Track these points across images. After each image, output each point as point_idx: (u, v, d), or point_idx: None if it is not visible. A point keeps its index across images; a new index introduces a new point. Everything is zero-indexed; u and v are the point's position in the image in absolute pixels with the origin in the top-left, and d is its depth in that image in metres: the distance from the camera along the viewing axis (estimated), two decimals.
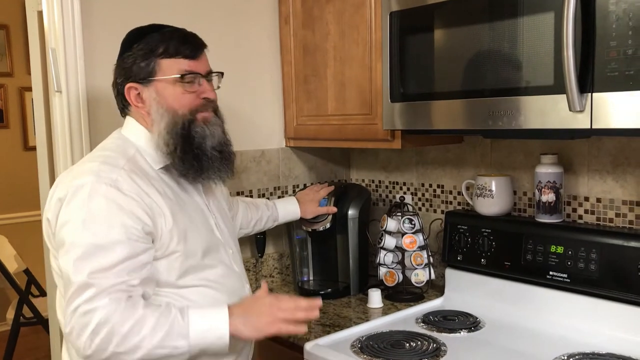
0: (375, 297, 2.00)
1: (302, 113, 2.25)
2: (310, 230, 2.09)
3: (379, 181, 2.46)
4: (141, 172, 1.38)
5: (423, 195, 2.29)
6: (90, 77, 1.87)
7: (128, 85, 1.42)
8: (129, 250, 1.27)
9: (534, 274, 1.80)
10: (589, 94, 1.36)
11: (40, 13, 1.90)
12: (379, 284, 2.09)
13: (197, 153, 1.42)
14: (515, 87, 1.50)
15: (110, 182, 1.30)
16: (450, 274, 2.05)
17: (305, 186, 2.40)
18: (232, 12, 2.19)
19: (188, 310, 1.29)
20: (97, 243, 1.25)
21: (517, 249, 1.84)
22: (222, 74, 1.52)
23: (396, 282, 2.06)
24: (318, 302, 1.40)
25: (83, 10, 1.85)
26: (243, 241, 2.18)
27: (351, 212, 2.12)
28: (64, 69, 1.82)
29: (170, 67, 1.40)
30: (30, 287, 3.73)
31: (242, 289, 1.53)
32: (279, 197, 2.33)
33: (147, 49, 1.41)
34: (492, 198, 1.93)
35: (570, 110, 1.38)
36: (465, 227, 1.99)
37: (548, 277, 1.76)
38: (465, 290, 2.00)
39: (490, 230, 1.92)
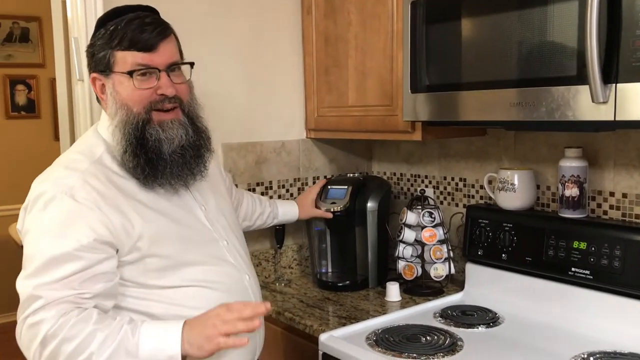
0: (393, 291, 1.98)
1: (323, 104, 2.24)
2: (326, 210, 2.07)
3: (401, 174, 2.43)
4: (105, 175, 1.29)
5: (445, 188, 2.25)
6: None
7: (92, 75, 1.35)
8: (83, 262, 1.20)
9: (555, 270, 1.76)
10: (613, 84, 1.31)
11: (64, 2, 1.92)
12: (398, 277, 2.07)
13: (150, 157, 1.31)
14: (537, 77, 1.46)
15: (65, 190, 1.23)
16: (471, 269, 2.02)
17: (325, 178, 2.39)
18: (254, 2, 2.18)
19: (141, 326, 1.21)
20: (49, 256, 1.19)
21: (539, 245, 1.80)
22: (191, 64, 1.40)
23: (415, 275, 2.03)
24: (261, 308, 1.26)
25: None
26: (262, 232, 2.19)
27: (370, 205, 2.10)
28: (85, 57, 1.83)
29: (123, 60, 1.30)
30: None
31: (240, 281, 1.44)
32: (298, 189, 2.32)
33: (106, 38, 1.31)
34: (515, 192, 1.89)
35: (593, 101, 1.33)
36: (487, 222, 1.96)
37: (570, 273, 1.72)
38: (486, 285, 1.97)
39: (511, 225, 1.89)
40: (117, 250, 1.26)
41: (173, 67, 1.35)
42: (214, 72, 2.07)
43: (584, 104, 1.36)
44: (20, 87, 4.82)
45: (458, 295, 2.01)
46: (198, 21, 2.03)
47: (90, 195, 1.24)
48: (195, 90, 1.45)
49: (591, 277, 1.68)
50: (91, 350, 1.15)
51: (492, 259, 1.94)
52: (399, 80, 1.88)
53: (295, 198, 2.21)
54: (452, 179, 2.23)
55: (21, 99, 4.83)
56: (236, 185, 2.16)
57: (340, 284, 2.11)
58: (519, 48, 1.49)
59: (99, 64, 1.32)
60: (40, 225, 1.23)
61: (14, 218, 4.45)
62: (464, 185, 2.19)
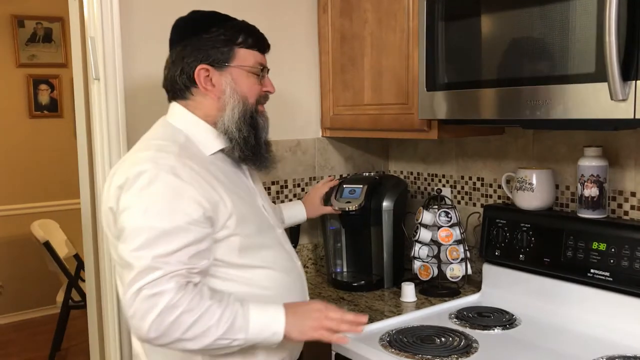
0: (408, 291, 1.96)
1: (339, 103, 2.23)
2: (337, 209, 2.04)
3: (418, 173, 2.41)
4: (194, 158, 1.37)
5: (462, 188, 2.23)
6: (128, 65, 1.90)
7: (200, 66, 1.40)
8: (192, 235, 1.26)
9: (574, 271, 1.73)
10: (633, 81, 1.28)
11: (81, 2, 1.93)
12: (414, 278, 2.05)
13: (259, 143, 1.47)
14: (554, 75, 1.43)
15: (168, 169, 1.29)
16: (488, 270, 1.99)
17: (341, 177, 2.37)
18: (270, 1, 2.17)
19: (249, 305, 1.30)
20: (160, 229, 1.24)
21: (557, 245, 1.77)
22: (269, 69, 1.54)
23: (431, 276, 2.01)
24: (364, 318, 1.39)
25: None
26: None
27: (386, 204, 2.08)
28: (102, 57, 1.85)
29: (247, 58, 1.43)
30: (80, 272, 3.83)
31: (295, 267, 1.53)
32: None
33: (229, 35, 1.42)
34: (533, 192, 1.85)
35: (612, 99, 1.30)
36: (504, 222, 1.93)
37: (589, 275, 1.69)
38: (503, 286, 1.94)
39: (529, 225, 1.85)
40: (212, 227, 1.32)
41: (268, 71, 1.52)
42: None
43: (603, 101, 1.33)
44: (43, 86, 4.89)
45: (475, 296, 1.98)
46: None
47: (190, 174, 1.31)
48: None
49: (611, 279, 1.64)
50: (209, 325, 1.23)
51: (509, 260, 1.91)
52: (415, 79, 1.86)
53: (311, 189, 2.17)
54: (470, 178, 2.20)
55: (44, 98, 4.89)
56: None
57: (355, 284, 2.10)
58: (536, 45, 1.46)
59: (216, 57, 1.40)
60: (146, 201, 1.26)
61: (37, 216, 4.48)
62: (482, 185, 2.16)
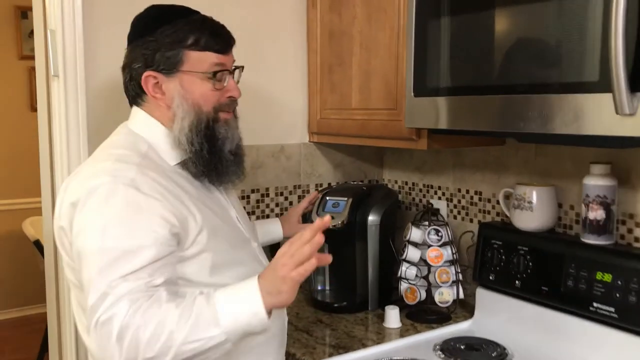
0: (392, 316, 1.78)
1: (326, 106, 2.05)
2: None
3: (413, 183, 2.22)
4: (158, 168, 1.25)
5: (459, 202, 2.03)
6: (91, 62, 1.74)
7: (147, 73, 1.27)
8: (154, 254, 1.12)
9: (575, 303, 1.53)
10: None
11: None
12: (400, 300, 1.87)
13: (218, 156, 1.32)
14: (552, 82, 1.24)
15: (128, 182, 1.16)
16: (482, 295, 1.80)
17: (329, 185, 2.20)
18: None
19: (214, 293, 1.13)
20: (120, 249, 1.11)
21: (557, 273, 1.57)
22: (242, 67, 1.39)
23: (417, 300, 1.82)
24: (320, 223, 1.14)
25: None
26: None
27: (372, 218, 1.89)
28: (62, 52, 1.70)
29: (199, 61, 1.27)
30: None
31: None
32: (299, 197, 2.14)
33: (175, 37, 1.26)
34: (532, 211, 1.66)
35: (617, 113, 1.11)
36: (500, 243, 1.74)
37: (592, 308, 1.49)
38: (497, 314, 1.75)
39: (527, 249, 1.66)
40: (178, 244, 1.19)
41: (235, 70, 1.36)
42: None
43: (607, 115, 1.14)
44: None
45: (466, 324, 1.79)
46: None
47: (154, 186, 1.18)
48: None
49: (616, 315, 1.44)
50: (170, 329, 1.06)
51: (504, 286, 1.72)
52: (404, 82, 1.67)
53: (290, 208, 2.03)
54: (467, 191, 2.01)
55: None
56: None
57: (336, 305, 1.92)
58: (530, 47, 1.27)
59: (162, 63, 1.26)
60: (104, 219, 1.13)
61: (37, 211, 4.35)
62: (480, 200, 1.97)
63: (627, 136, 1.11)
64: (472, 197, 1.99)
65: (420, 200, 2.19)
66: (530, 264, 1.64)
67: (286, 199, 2.12)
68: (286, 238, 1.87)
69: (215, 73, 1.29)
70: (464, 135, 1.66)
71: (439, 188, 2.11)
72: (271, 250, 1.98)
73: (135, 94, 1.31)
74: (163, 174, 1.24)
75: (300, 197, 2.14)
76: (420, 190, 2.19)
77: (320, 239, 1.13)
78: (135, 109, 1.34)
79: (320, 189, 2.16)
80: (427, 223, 1.84)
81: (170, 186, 1.22)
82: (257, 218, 2.06)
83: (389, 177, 2.33)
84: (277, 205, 2.11)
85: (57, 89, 1.73)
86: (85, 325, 1.19)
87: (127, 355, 1.06)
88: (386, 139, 1.82)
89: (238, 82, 1.38)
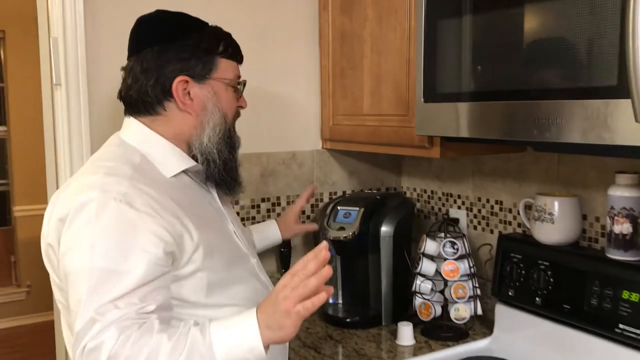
0: (405, 333, 1.69)
1: (338, 111, 1.97)
2: (331, 238, 1.80)
3: (432, 191, 2.12)
4: (152, 181, 1.18)
5: (479, 211, 1.93)
6: (93, 71, 1.71)
7: (180, 78, 1.22)
8: (145, 275, 1.06)
9: (599, 324, 1.42)
10: None
11: None
12: (416, 315, 1.77)
13: (235, 165, 1.34)
14: (565, 87, 1.13)
15: (119, 197, 1.09)
16: (501, 311, 1.69)
17: (344, 193, 2.12)
18: None
19: (210, 325, 1.06)
20: (110, 270, 1.04)
21: (580, 290, 1.46)
22: (245, 81, 1.38)
23: (432, 316, 1.73)
24: (322, 253, 1.06)
25: None
26: (266, 254, 1.95)
27: (385, 229, 1.81)
28: (64, 60, 1.66)
29: (227, 69, 1.28)
30: None
31: None
32: (312, 206, 2.07)
33: (209, 42, 1.25)
34: (553, 223, 1.55)
35: (636, 120, 1.00)
36: (520, 256, 1.63)
37: (617, 330, 1.37)
38: (517, 332, 1.64)
39: (548, 263, 1.55)
40: (173, 262, 1.13)
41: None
42: None
43: (625, 123, 1.03)
44: None
45: (484, 342, 1.69)
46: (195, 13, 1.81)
47: (147, 202, 1.11)
48: None
49: None
50: None
51: (524, 302, 1.61)
52: (415, 87, 1.58)
53: (287, 207, 1.97)
54: (487, 200, 1.90)
55: None
56: (237, 202, 1.94)
57: (349, 320, 1.84)
58: (542, 47, 1.17)
59: (197, 68, 1.23)
60: (93, 237, 1.06)
61: None
62: (500, 210, 1.86)
63: None
64: (492, 207, 1.88)
65: (440, 209, 2.09)
66: (551, 279, 1.53)
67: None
68: (285, 240, 1.82)
69: (243, 82, 1.31)
70: (478, 144, 1.56)
71: (459, 197, 2.00)
72: (281, 259, 1.93)
73: (155, 100, 1.23)
74: (157, 188, 1.16)
75: (313, 206, 2.07)
76: (440, 199, 2.09)
77: (328, 271, 1.04)
78: (129, 119, 1.27)
79: (334, 197, 2.08)
80: (442, 235, 1.74)
81: (165, 200, 1.15)
82: None
83: (408, 185, 2.23)
84: None
85: (59, 98, 1.70)
86: (71, 342, 1.13)
87: None
88: (398, 147, 1.73)
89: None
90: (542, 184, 1.71)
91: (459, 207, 2.00)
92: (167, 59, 1.22)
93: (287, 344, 1.39)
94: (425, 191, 2.15)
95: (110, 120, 1.68)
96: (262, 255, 1.88)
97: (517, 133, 1.25)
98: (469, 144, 1.57)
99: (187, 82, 1.22)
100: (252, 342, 1.03)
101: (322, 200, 2.08)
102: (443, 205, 2.07)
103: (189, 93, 1.23)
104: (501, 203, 1.85)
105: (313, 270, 1.04)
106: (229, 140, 1.30)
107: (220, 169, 1.28)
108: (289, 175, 2.03)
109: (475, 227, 1.94)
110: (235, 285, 1.24)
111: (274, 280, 1.92)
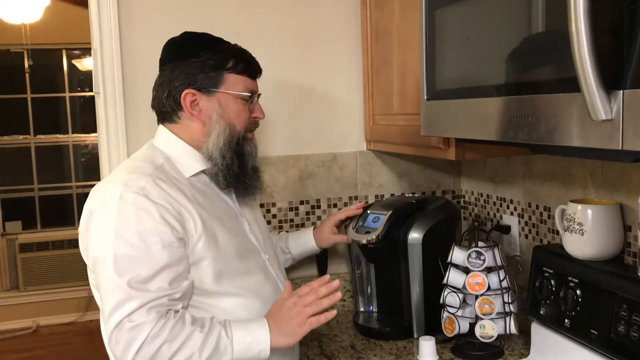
0: (425, 348, 1.56)
1: (375, 111, 1.88)
2: (354, 240, 1.73)
3: (487, 195, 1.95)
4: (168, 178, 1.35)
5: (530, 218, 1.73)
6: (129, 80, 1.80)
7: (187, 90, 1.38)
8: (166, 258, 1.24)
9: (627, 354, 1.21)
10: (620, 91, 0.80)
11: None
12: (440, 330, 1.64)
13: (244, 171, 1.44)
14: (535, 80, 0.98)
15: (138, 190, 1.27)
16: (537, 331, 1.51)
17: (392, 196, 2.02)
18: None
19: (231, 325, 1.28)
20: (132, 253, 1.22)
21: (607, 315, 1.25)
22: (260, 94, 1.49)
23: (455, 332, 1.58)
24: (334, 283, 1.34)
25: (121, 7, 1.77)
26: (306, 258, 1.91)
27: (413, 236, 1.69)
28: (101, 70, 1.77)
29: (236, 83, 1.40)
30: None
31: (277, 295, 1.44)
32: None
33: (218, 59, 1.38)
34: (582, 235, 1.35)
35: (591, 118, 0.83)
36: (551, 271, 1.44)
37: None
38: (551, 354, 1.45)
39: (577, 281, 1.35)
40: (185, 247, 1.31)
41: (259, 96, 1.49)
42: None
43: (583, 121, 0.86)
44: None
45: None
46: (233, 17, 1.84)
47: (161, 193, 1.29)
48: None
49: None
50: (192, 352, 1.21)
51: (554, 323, 1.42)
52: None
53: (327, 216, 1.92)
54: (537, 206, 1.70)
55: None
56: (274, 204, 1.94)
57: (378, 331, 1.75)
58: (513, 39, 1.02)
59: (204, 82, 1.38)
60: (116, 226, 1.24)
61: None
62: (549, 217, 1.65)
63: (604, 148, 0.83)
64: (541, 214, 1.68)
65: (495, 215, 1.91)
66: (580, 300, 1.33)
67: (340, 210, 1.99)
68: (321, 249, 1.80)
69: (251, 95, 1.42)
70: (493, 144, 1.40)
71: (511, 202, 1.82)
72: (318, 263, 1.89)
73: (170, 110, 1.40)
74: (173, 185, 1.33)
75: None
76: (494, 204, 1.91)
77: (339, 296, 1.32)
78: (160, 127, 1.45)
79: (376, 200, 1.99)
80: (471, 244, 1.59)
81: (178, 196, 1.31)
82: None
83: (467, 188, 2.07)
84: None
85: (99, 107, 1.81)
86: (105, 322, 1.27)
87: None
88: (423, 147, 1.61)
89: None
90: (586, 189, 1.49)
91: (511, 214, 1.82)
92: (177, 74, 1.38)
93: (298, 349, 1.52)
94: (481, 195, 1.98)
95: (146, 127, 1.74)
96: (303, 259, 1.87)
97: (497, 132, 1.10)
98: (485, 145, 1.42)
99: (194, 94, 1.37)
100: (263, 344, 1.27)
101: (367, 203, 2.00)
102: (497, 210, 1.89)
103: (198, 104, 1.38)
104: (549, 210, 1.65)
105: (324, 294, 1.31)
106: (236, 147, 1.40)
107: (224, 173, 1.40)
108: (330, 178, 1.98)
109: (526, 236, 1.75)
110: (244, 276, 1.38)
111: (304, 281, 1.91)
